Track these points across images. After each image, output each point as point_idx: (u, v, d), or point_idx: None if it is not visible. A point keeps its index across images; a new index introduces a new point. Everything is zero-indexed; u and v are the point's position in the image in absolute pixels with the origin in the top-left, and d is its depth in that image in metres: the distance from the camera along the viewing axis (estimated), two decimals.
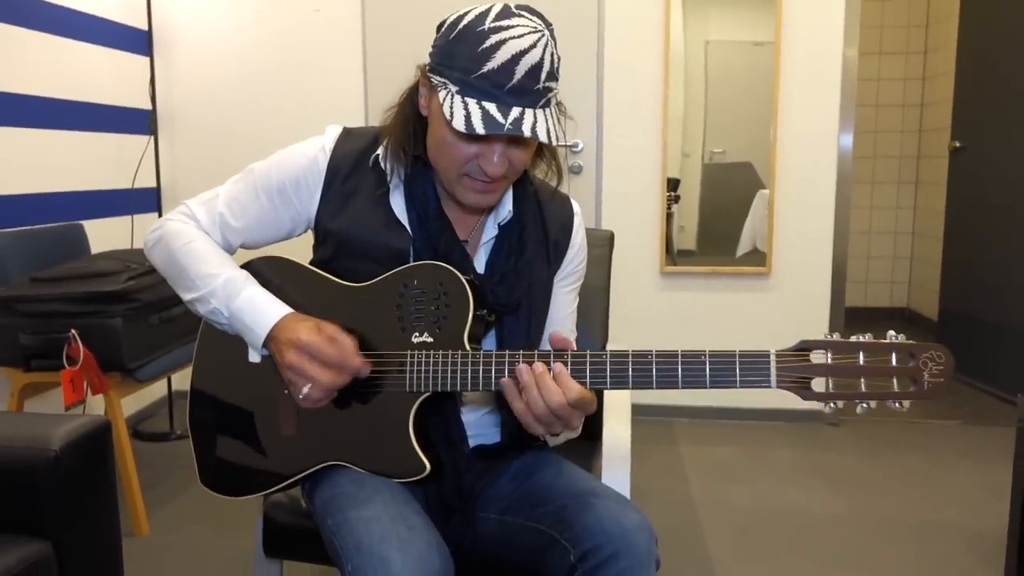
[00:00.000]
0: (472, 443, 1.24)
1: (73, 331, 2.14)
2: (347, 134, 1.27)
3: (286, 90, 3.31)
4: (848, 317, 4.58)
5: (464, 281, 1.15)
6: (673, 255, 3.35)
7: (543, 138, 1.07)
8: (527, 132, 1.05)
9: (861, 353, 1.01)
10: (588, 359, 1.07)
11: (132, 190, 3.10)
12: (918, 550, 2.28)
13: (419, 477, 1.14)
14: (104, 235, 2.83)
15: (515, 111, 1.06)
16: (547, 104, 1.09)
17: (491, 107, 1.05)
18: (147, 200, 3.13)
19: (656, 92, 3.22)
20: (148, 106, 3.17)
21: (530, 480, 1.23)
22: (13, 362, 2.27)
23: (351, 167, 1.24)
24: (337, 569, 1.09)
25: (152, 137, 3.16)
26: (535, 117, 1.07)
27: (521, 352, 1.09)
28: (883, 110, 5.15)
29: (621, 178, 3.30)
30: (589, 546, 1.07)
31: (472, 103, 1.05)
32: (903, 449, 3.07)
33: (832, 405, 1.05)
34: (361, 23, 3.28)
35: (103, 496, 1.45)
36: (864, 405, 1.02)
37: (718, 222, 3.36)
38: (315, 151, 1.25)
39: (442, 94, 1.08)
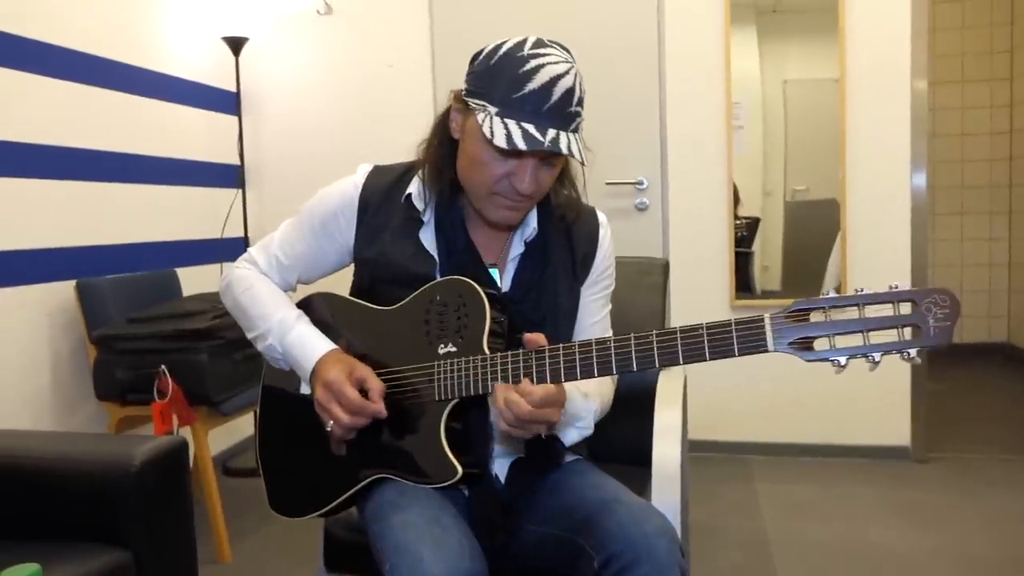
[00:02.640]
0: (506, 458, 1.29)
1: (163, 366, 2.30)
2: (377, 171, 1.37)
3: (363, 142, 3.50)
4: (941, 354, 4.40)
5: (480, 290, 1.21)
6: (756, 295, 3.32)
7: (577, 156, 1.15)
8: (564, 150, 1.13)
9: (861, 307, 0.99)
10: (594, 347, 1.10)
11: (221, 240, 3.32)
12: None
13: (452, 481, 1.19)
14: (196, 281, 3.03)
15: (551, 132, 1.14)
16: (576, 129, 1.18)
17: (530, 127, 1.13)
18: (236, 248, 3.34)
19: (719, 130, 3.24)
20: (236, 161, 3.40)
21: (563, 491, 1.27)
22: (111, 396, 2.46)
23: (380, 200, 1.33)
24: None
25: (240, 190, 3.38)
26: (568, 139, 1.15)
27: (534, 350, 1.13)
28: (968, 139, 5.00)
29: (688, 214, 3.31)
30: (611, 552, 1.09)
31: (512, 123, 1.13)
32: (998, 487, 2.91)
33: (837, 363, 0.99)
34: (432, 78, 3.45)
35: (180, 510, 1.56)
36: (872, 358, 0.98)
37: (803, 261, 3.31)
38: (349, 187, 1.35)
39: (480, 116, 1.16)
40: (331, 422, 1.24)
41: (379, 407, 1.22)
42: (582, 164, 1.20)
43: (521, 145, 1.12)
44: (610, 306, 1.43)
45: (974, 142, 5.00)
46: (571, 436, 1.30)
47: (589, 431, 1.30)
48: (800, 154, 3.26)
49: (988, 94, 4.96)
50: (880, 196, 3.16)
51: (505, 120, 1.13)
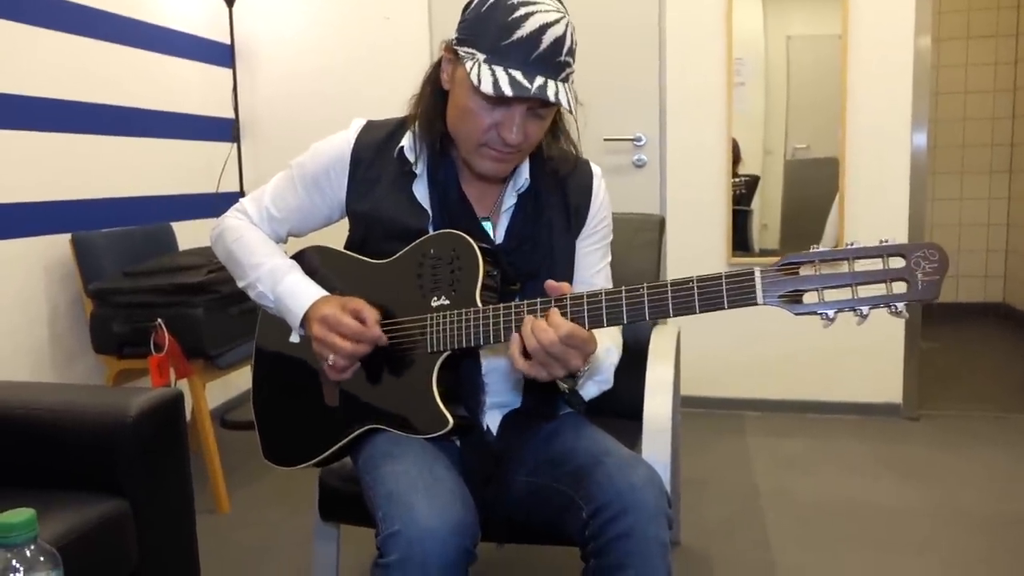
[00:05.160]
0: (499, 410, 1.30)
1: (159, 320, 2.31)
2: (369, 126, 1.37)
3: (359, 95, 3.46)
4: (936, 313, 4.43)
5: (474, 244, 1.21)
6: (754, 253, 3.32)
7: (565, 104, 1.14)
8: (551, 97, 1.12)
9: (851, 261, 0.99)
10: (585, 300, 1.10)
11: (217, 194, 3.30)
12: (992, 542, 2.19)
13: (443, 432, 1.21)
14: (191, 235, 3.03)
15: (539, 80, 1.13)
16: (566, 79, 1.16)
17: (517, 74, 1.12)
18: (231, 203, 3.24)
19: (720, 86, 3.21)
20: (231, 115, 3.37)
21: (554, 443, 1.28)
22: (108, 350, 2.47)
23: (373, 155, 1.33)
24: None
25: (235, 144, 3.36)
26: (557, 88, 1.14)
27: (525, 302, 1.14)
28: (972, 97, 4.95)
29: (686, 172, 3.29)
30: (599, 503, 1.11)
31: (499, 70, 1.12)
32: (988, 444, 2.94)
33: (826, 316, 1.00)
34: (428, 31, 3.40)
35: (176, 460, 1.58)
36: (860, 312, 0.98)
37: (802, 220, 3.29)
38: (341, 142, 1.35)
39: (469, 64, 1.15)
40: (331, 356, 1.24)
41: (378, 332, 1.23)
42: (571, 113, 1.19)
43: (508, 91, 1.11)
44: (610, 256, 1.43)
45: (977, 100, 4.95)
46: (591, 391, 1.31)
47: (609, 385, 1.31)
48: (802, 112, 3.23)
49: (993, 50, 4.89)
50: (879, 155, 3.14)
51: (493, 67, 1.13)
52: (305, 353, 1.35)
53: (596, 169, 1.40)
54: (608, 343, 1.29)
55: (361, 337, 1.22)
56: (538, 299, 1.13)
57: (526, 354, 1.10)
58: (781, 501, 2.49)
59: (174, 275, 2.41)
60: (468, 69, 1.15)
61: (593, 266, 1.39)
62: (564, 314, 1.10)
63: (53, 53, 2.53)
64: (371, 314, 1.24)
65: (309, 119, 3.49)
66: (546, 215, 1.30)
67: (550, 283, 1.12)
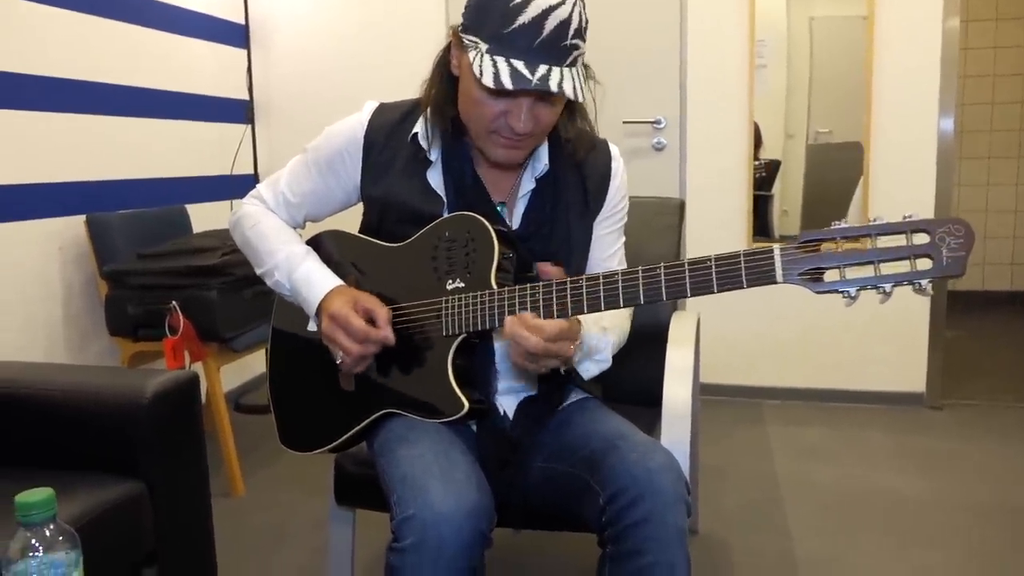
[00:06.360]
0: (514, 395, 1.28)
1: (174, 302, 2.30)
2: (382, 108, 1.34)
3: (374, 76, 3.42)
4: (962, 302, 4.36)
5: (489, 226, 1.19)
6: (774, 238, 3.26)
7: (569, 94, 1.10)
8: (554, 88, 1.09)
9: (873, 237, 0.95)
10: (601, 281, 1.08)
11: (231, 176, 3.29)
12: (1012, 535, 2.15)
13: (459, 415, 1.19)
14: (206, 217, 3.01)
15: (542, 68, 1.09)
16: (573, 63, 1.13)
17: (519, 64, 1.09)
18: (245, 185, 3.30)
19: (742, 68, 3.15)
20: (245, 96, 3.35)
21: (570, 428, 1.26)
22: (123, 332, 2.47)
23: (386, 138, 1.31)
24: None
25: (249, 126, 3.34)
26: (561, 75, 1.10)
27: (541, 284, 1.11)
28: (1000, 80, 4.84)
29: (707, 155, 3.24)
30: (616, 488, 1.09)
31: (501, 61, 1.09)
32: (1011, 435, 2.89)
33: (847, 295, 0.96)
34: (444, 11, 3.35)
35: (192, 442, 1.57)
36: (883, 290, 0.95)
37: (824, 206, 3.24)
38: (354, 125, 1.32)
39: (472, 53, 1.12)
40: (340, 354, 1.23)
41: (386, 333, 1.21)
42: (576, 101, 1.15)
43: (508, 84, 1.08)
44: (624, 239, 1.41)
45: (1006, 83, 4.85)
46: (590, 369, 1.29)
47: (607, 364, 1.29)
48: (825, 95, 3.17)
49: (1023, 32, 4.79)
50: (905, 140, 3.07)
51: (495, 57, 1.10)
52: (320, 339, 1.33)
53: (615, 150, 1.37)
54: (606, 323, 1.27)
55: (368, 338, 1.21)
56: (553, 281, 1.10)
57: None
58: (801, 490, 2.46)
59: (189, 257, 2.40)
60: (471, 60, 1.12)
61: (608, 248, 1.37)
62: (579, 297, 1.08)
63: (68, 33, 2.51)
64: (382, 313, 1.22)
65: (324, 100, 3.46)
66: (563, 200, 1.28)
67: (543, 267, 1.10)
